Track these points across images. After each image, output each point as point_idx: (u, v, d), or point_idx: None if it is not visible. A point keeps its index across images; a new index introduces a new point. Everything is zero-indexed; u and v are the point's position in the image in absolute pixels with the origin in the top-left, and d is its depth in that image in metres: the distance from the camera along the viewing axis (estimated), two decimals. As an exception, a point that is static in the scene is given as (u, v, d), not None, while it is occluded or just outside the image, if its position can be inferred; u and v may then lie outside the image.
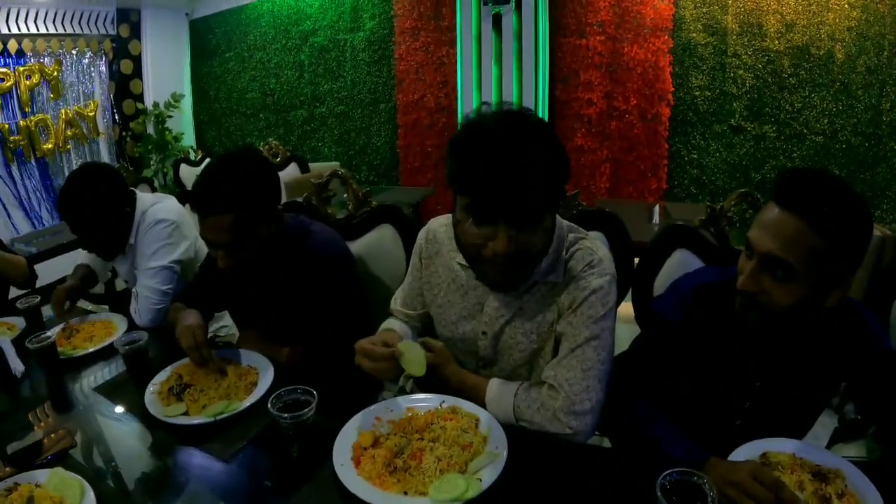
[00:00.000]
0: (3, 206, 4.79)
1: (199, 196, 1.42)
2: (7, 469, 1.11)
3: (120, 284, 2.33)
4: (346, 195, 1.97)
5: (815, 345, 1.11)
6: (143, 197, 1.96)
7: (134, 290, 1.88)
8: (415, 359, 1.16)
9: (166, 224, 1.89)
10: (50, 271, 2.41)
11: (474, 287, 1.30)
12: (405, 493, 0.97)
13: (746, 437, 1.08)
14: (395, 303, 1.51)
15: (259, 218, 1.44)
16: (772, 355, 1.14)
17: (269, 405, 1.10)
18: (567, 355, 1.16)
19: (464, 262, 1.29)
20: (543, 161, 1.04)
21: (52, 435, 1.21)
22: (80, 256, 2.16)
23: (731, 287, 1.11)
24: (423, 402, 1.22)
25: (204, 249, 2.10)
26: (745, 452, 1.03)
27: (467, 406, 1.18)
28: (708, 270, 1.38)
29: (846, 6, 3.70)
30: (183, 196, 2.49)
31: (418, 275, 1.43)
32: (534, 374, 1.28)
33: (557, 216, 1.25)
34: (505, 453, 1.03)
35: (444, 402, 1.20)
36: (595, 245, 1.24)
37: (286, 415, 1.07)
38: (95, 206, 1.78)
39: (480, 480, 0.97)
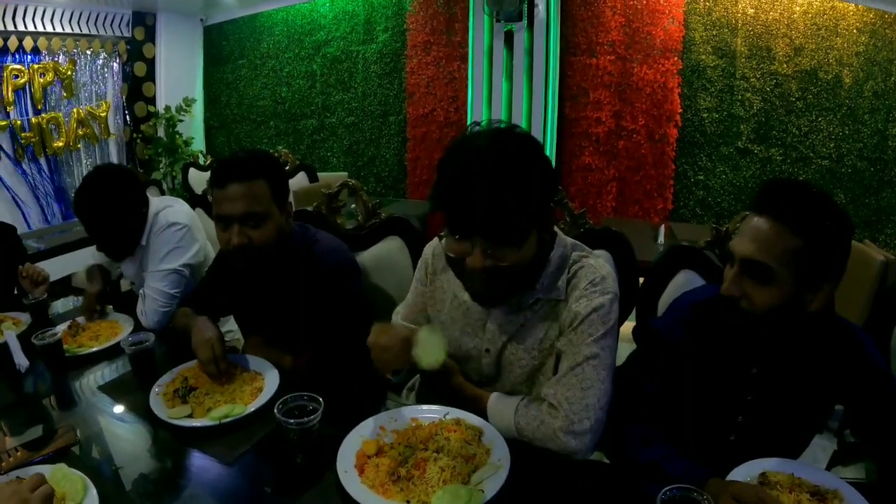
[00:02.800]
0: (15, 201, 4.83)
1: (233, 163, 1.46)
2: (10, 460, 1.11)
3: (125, 285, 2.34)
4: (354, 206, 1.98)
5: (808, 361, 1.12)
6: (154, 200, 1.98)
7: (141, 291, 1.89)
8: (433, 348, 1.14)
9: (178, 227, 1.90)
10: (59, 268, 2.42)
11: (476, 304, 1.30)
12: (408, 502, 0.97)
13: (741, 453, 1.08)
14: (397, 318, 1.51)
15: (279, 195, 1.51)
16: (762, 369, 1.15)
17: (275, 410, 1.10)
18: (566, 374, 1.16)
19: None
20: (521, 183, 1.05)
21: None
22: (90, 258, 2.17)
23: None
24: (427, 413, 1.22)
25: (213, 254, 2.11)
26: (744, 472, 1.04)
27: (471, 418, 1.19)
28: (706, 288, 1.39)
29: (854, 31, 3.74)
30: (192, 201, 2.51)
31: (423, 289, 1.43)
32: (534, 390, 1.28)
33: (561, 233, 1.27)
34: (507, 466, 1.04)
35: (448, 413, 1.21)
36: (598, 263, 1.24)
37: (292, 420, 1.08)
38: (113, 207, 1.79)
39: (483, 492, 0.98)
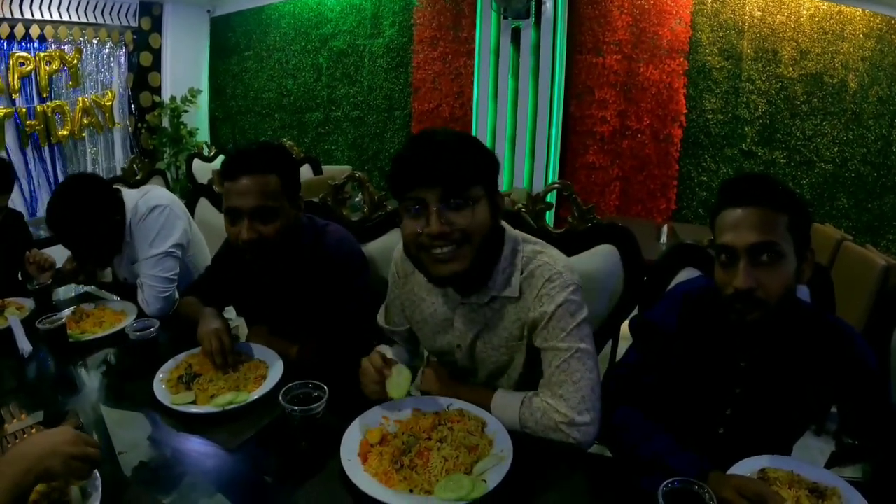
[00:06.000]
0: (19, 188, 4.81)
1: (245, 155, 1.45)
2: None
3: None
4: (358, 198, 1.99)
5: (797, 357, 1.13)
6: (129, 193, 1.95)
7: (139, 281, 1.89)
8: (398, 382, 1.20)
9: (161, 209, 1.89)
10: (62, 255, 2.43)
11: (442, 304, 1.34)
12: (411, 491, 0.98)
13: (730, 446, 1.10)
14: (381, 319, 1.54)
15: (291, 190, 1.50)
16: (751, 363, 1.16)
17: (280, 397, 1.11)
18: (555, 372, 1.18)
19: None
20: (466, 144, 1.18)
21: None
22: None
23: (717, 292, 1.14)
24: (430, 403, 1.23)
25: (200, 234, 2.11)
26: (744, 467, 1.05)
27: (474, 409, 1.19)
28: (699, 279, 1.42)
29: (861, 36, 3.74)
30: (196, 192, 2.51)
31: (398, 292, 1.46)
32: (505, 382, 1.33)
33: (509, 227, 1.29)
34: (510, 457, 1.04)
35: (451, 404, 1.22)
36: (553, 258, 1.25)
37: (296, 408, 1.08)
38: (86, 223, 1.75)
39: (486, 482, 0.98)
